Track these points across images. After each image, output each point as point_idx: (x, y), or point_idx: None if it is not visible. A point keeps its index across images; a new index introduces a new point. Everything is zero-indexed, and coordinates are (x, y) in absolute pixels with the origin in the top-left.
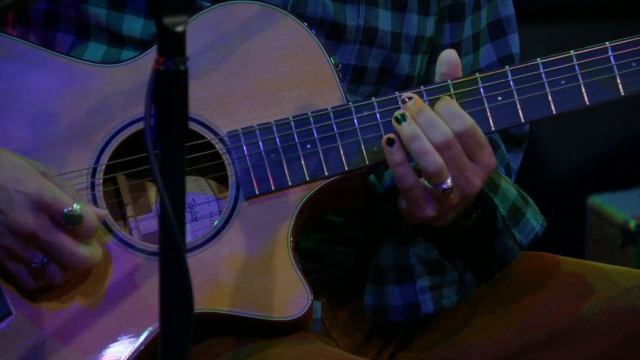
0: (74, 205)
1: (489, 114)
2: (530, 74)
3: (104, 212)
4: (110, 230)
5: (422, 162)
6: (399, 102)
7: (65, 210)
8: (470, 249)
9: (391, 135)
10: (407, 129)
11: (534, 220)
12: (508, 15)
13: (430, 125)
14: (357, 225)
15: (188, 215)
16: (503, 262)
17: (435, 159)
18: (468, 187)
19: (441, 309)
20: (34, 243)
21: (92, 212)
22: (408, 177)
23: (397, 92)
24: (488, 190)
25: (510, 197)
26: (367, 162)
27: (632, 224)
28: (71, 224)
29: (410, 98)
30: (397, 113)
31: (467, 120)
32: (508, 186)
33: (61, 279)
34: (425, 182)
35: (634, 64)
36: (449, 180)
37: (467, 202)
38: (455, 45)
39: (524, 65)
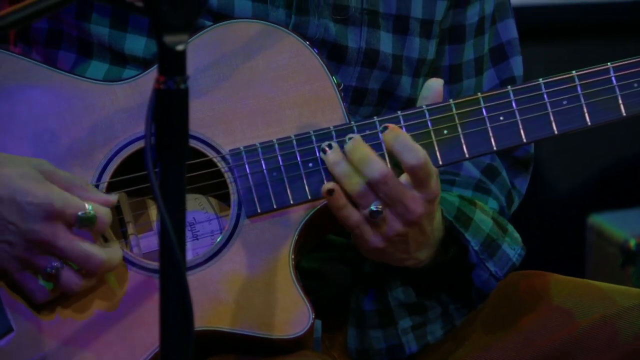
0: (86, 206)
1: (490, 134)
2: (532, 94)
3: (114, 197)
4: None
5: (346, 185)
6: (378, 128)
7: (80, 213)
8: (450, 283)
9: (329, 185)
10: (331, 156)
11: (511, 249)
12: (510, 39)
13: (364, 163)
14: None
15: (189, 234)
16: (482, 294)
17: (357, 181)
18: (408, 214)
19: (426, 345)
20: (49, 251)
21: (102, 208)
22: (353, 216)
23: (399, 112)
24: (460, 226)
25: (484, 230)
26: None
27: (632, 243)
28: (86, 225)
29: (350, 139)
30: (322, 145)
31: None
32: (483, 217)
33: (78, 286)
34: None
35: (635, 85)
36: (376, 203)
37: (432, 234)
38: (455, 68)
39: (526, 85)
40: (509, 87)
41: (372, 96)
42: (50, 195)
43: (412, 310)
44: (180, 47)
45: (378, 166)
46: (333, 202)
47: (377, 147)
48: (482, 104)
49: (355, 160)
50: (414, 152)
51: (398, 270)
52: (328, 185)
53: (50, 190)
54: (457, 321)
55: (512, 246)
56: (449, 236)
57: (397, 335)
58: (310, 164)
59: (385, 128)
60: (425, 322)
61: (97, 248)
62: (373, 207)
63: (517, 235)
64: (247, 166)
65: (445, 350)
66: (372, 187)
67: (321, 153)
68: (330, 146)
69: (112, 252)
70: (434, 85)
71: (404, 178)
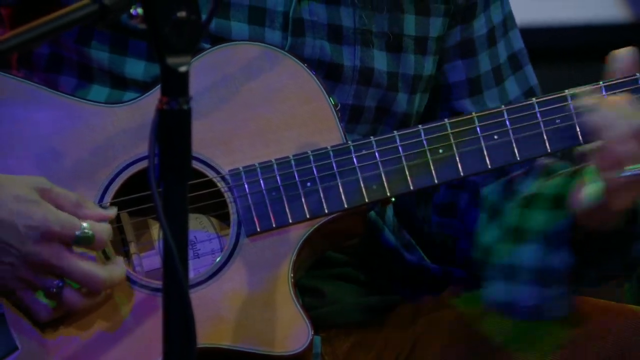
0: (83, 225)
1: (485, 153)
2: (526, 113)
3: (112, 211)
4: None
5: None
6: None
7: (77, 233)
8: (610, 251)
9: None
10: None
11: None
12: (520, 47)
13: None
14: (355, 263)
15: (190, 253)
16: (634, 265)
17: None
18: None
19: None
20: (49, 270)
21: (100, 225)
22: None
23: (395, 132)
24: None
25: None
26: (367, 200)
27: None
28: (84, 244)
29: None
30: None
31: None
32: None
33: (80, 304)
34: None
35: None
36: None
37: None
38: (473, 81)
39: (519, 105)
40: (503, 106)
41: (369, 113)
42: (48, 217)
43: (560, 278)
44: (183, 69)
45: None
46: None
47: (373, 167)
48: (477, 123)
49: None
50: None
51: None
52: None
53: (47, 212)
54: (573, 308)
55: None
56: None
57: (550, 297)
58: (309, 183)
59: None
60: (575, 291)
61: (97, 266)
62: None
63: None
64: (246, 186)
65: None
66: None
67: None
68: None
69: (113, 270)
70: (623, 55)
71: None
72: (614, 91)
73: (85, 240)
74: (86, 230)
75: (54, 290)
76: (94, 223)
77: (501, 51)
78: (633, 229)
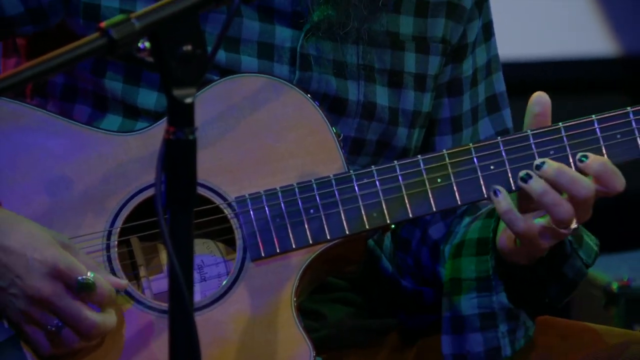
0: (88, 274)
1: (481, 182)
2: (521, 144)
3: (124, 282)
4: (124, 290)
5: (555, 213)
6: (532, 168)
7: (79, 278)
8: (544, 281)
9: (496, 186)
10: (535, 185)
11: (590, 241)
12: (501, 91)
13: (573, 182)
14: (355, 288)
15: (197, 276)
16: (574, 285)
17: (567, 208)
18: (586, 214)
19: (515, 351)
20: (49, 308)
21: (106, 281)
22: (518, 222)
23: (395, 161)
24: None
25: None
26: (367, 227)
27: (615, 286)
28: (85, 291)
29: (543, 162)
30: (521, 173)
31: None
32: None
33: (77, 344)
34: (553, 225)
35: (618, 136)
36: (575, 220)
37: None
38: (455, 119)
39: (515, 136)
40: (499, 137)
41: (370, 147)
42: (57, 256)
43: (508, 315)
44: (188, 100)
45: (587, 183)
46: (498, 204)
47: (373, 195)
48: (474, 154)
49: (564, 182)
50: (620, 178)
51: (500, 275)
52: (495, 187)
53: (58, 252)
54: (531, 332)
55: (590, 237)
56: None
57: (497, 338)
58: (312, 210)
59: (543, 163)
60: (515, 328)
61: (93, 312)
62: (574, 226)
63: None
64: (252, 213)
65: None
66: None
67: (520, 182)
68: (529, 175)
69: (106, 318)
70: (541, 99)
71: None
72: (606, 124)
73: (86, 287)
74: (89, 279)
75: (53, 329)
76: (101, 278)
77: (481, 92)
78: (561, 252)
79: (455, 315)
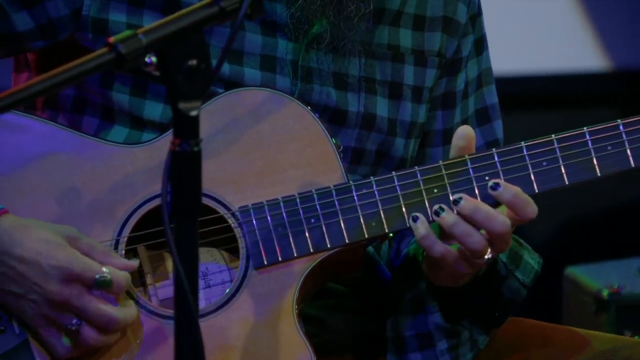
0: (103, 270)
1: (477, 192)
2: (515, 156)
3: (134, 262)
4: (132, 297)
5: (466, 243)
6: (450, 201)
7: (97, 276)
8: (481, 300)
9: (415, 213)
10: (447, 217)
11: (531, 259)
12: (493, 103)
13: (489, 218)
14: (355, 294)
15: (202, 283)
16: (513, 304)
17: (478, 239)
18: (504, 245)
19: None
20: (69, 309)
21: (120, 272)
22: (435, 246)
23: (393, 172)
24: None
25: None
26: (366, 236)
27: (605, 293)
28: (103, 288)
29: (460, 199)
30: (435, 207)
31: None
32: None
33: (97, 342)
34: (467, 253)
35: (609, 147)
36: (489, 251)
37: None
38: (447, 132)
39: (509, 148)
40: (494, 149)
41: (369, 156)
42: (71, 259)
43: (447, 333)
44: (193, 113)
45: (501, 219)
46: (416, 230)
47: (372, 205)
48: (469, 165)
49: (479, 219)
50: (532, 206)
51: (434, 295)
52: (414, 213)
53: (71, 255)
54: (482, 346)
55: (531, 255)
56: None
57: (435, 356)
58: (312, 220)
59: (497, 185)
60: (458, 345)
61: (113, 308)
62: (488, 256)
63: (529, 247)
64: (254, 222)
65: None
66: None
67: (433, 216)
68: (442, 209)
69: (126, 312)
70: (466, 132)
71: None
72: (597, 136)
73: (104, 284)
74: (105, 275)
75: (73, 328)
76: (115, 270)
77: (471, 105)
78: (495, 275)
79: (397, 336)
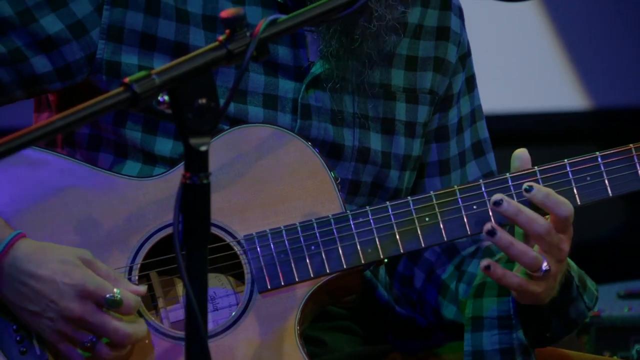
0: (114, 290)
1: (465, 221)
2: (501, 186)
3: (143, 288)
4: (145, 319)
5: (520, 259)
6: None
7: (107, 295)
8: (548, 320)
9: (488, 226)
10: (502, 237)
11: (592, 286)
12: (485, 137)
13: (530, 221)
14: (353, 316)
15: (210, 306)
16: (575, 326)
17: (533, 254)
18: (561, 254)
19: None
20: (83, 326)
21: (131, 294)
22: (505, 279)
23: (387, 202)
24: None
25: (575, 267)
26: (363, 261)
27: None
28: (113, 307)
29: (502, 200)
30: (486, 227)
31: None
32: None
33: (111, 357)
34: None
35: (588, 178)
36: (545, 263)
37: (565, 267)
38: (443, 162)
39: (495, 179)
40: (481, 180)
41: (365, 188)
42: (85, 278)
43: (523, 350)
44: (203, 148)
45: (541, 221)
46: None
47: (368, 233)
48: (458, 195)
49: (546, 203)
50: (565, 205)
51: (519, 313)
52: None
53: (84, 274)
54: None
55: (592, 283)
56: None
57: None
58: (313, 247)
59: (531, 187)
60: None
61: (124, 324)
62: (544, 267)
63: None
64: (259, 249)
65: None
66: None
67: (488, 236)
68: (501, 201)
69: (137, 327)
70: (522, 155)
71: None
72: (577, 167)
73: (114, 304)
74: (116, 295)
75: (88, 344)
76: (125, 291)
77: (467, 138)
78: (568, 295)
79: (477, 350)
